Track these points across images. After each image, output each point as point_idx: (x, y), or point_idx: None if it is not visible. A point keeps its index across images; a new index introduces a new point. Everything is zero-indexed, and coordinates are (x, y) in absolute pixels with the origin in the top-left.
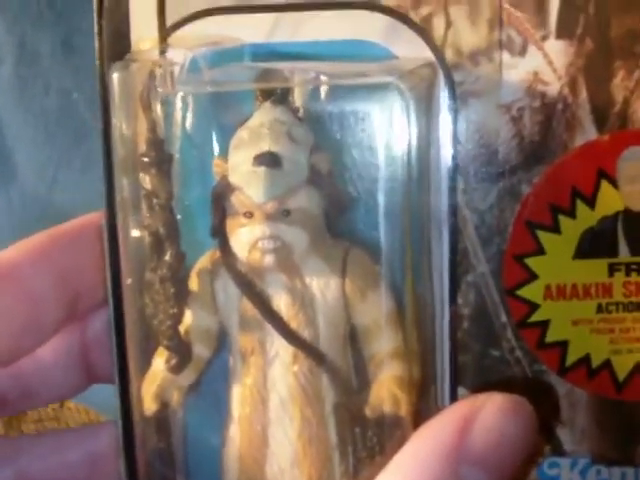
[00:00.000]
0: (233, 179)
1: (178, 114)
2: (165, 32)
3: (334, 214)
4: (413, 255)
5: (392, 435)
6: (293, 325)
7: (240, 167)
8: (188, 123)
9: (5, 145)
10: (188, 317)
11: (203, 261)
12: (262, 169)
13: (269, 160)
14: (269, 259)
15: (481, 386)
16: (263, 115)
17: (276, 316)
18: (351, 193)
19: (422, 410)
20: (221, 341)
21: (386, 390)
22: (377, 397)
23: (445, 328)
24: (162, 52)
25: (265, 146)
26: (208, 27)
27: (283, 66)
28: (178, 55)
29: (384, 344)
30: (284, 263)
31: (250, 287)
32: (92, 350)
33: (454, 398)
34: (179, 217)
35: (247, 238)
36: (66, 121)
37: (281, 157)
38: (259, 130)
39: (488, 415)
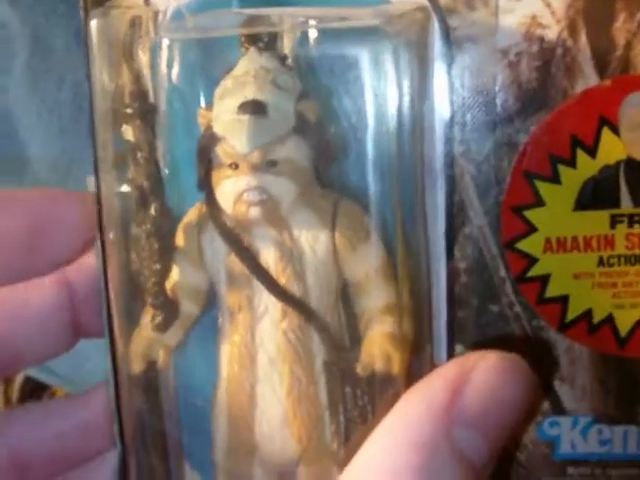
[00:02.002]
0: (217, 129)
1: (163, 63)
2: None
3: (323, 164)
4: (405, 207)
5: (384, 394)
6: (281, 280)
7: (224, 116)
8: (173, 72)
9: (18, 138)
10: (175, 273)
11: (190, 215)
12: (246, 117)
13: (254, 108)
14: (255, 212)
15: (479, 343)
16: (248, 63)
17: (264, 271)
18: (341, 142)
19: (416, 368)
20: (210, 298)
21: (378, 347)
22: (368, 354)
23: (442, 283)
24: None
25: (250, 94)
26: None
27: (270, 11)
28: (162, 1)
29: (376, 299)
30: (271, 216)
31: (236, 241)
32: (80, 306)
33: (451, 356)
34: (167, 171)
35: (232, 190)
36: (80, 114)
37: (266, 105)
38: (244, 78)
39: (481, 375)
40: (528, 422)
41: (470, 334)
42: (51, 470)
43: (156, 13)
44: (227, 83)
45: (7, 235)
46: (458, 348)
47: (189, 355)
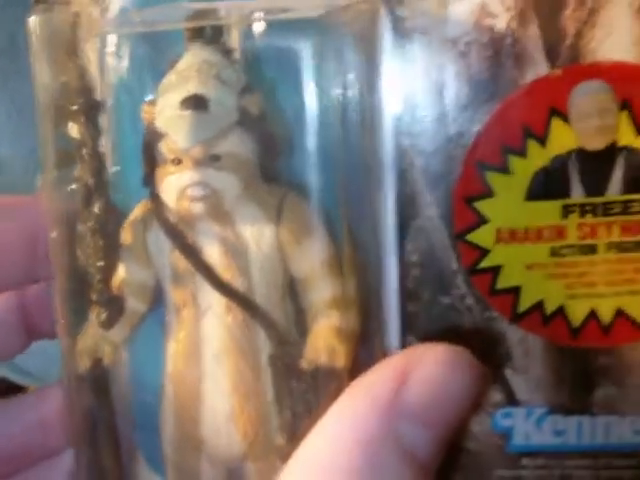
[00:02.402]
0: (160, 124)
1: (109, 58)
2: None
3: (268, 158)
4: (353, 200)
5: (329, 388)
6: (225, 276)
7: (167, 112)
8: (120, 67)
9: None
10: (121, 270)
11: (136, 212)
12: (187, 112)
13: (195, 103)
14: (198, 207)
15: (432, 335)
16: (192, 57)
17: (207, 267)
18: (285, 136)
19: (367, 361)
20: (157, 295)
21: (322, 341)
22: (313, 348)
23: (393, 275)
24: None
25: (192, 89)
26: None
27: (217, 4)
28: None
29: (322, 293)
30: (215, 211)
31: (180, 238)
32: (31, 307)
33: (404, 348)
34: (117, 168)
35: (175, 186)
36: None
37: (208, 100)
38: (187, 73)
39: (426, 368)
40: (476, 413)
41: (423, 326)
42: (8, 468)
43: (101, 8)
44: (171, 78)
45: (8, 242)
46: (411, 341)
47: (139, 351)
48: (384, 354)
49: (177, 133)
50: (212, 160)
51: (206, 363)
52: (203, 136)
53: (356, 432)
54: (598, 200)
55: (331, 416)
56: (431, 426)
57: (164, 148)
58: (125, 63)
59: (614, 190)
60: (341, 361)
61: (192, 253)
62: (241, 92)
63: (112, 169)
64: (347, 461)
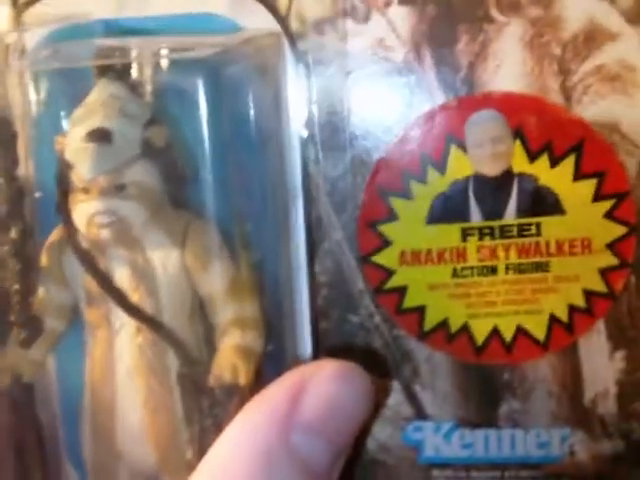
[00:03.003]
0: (68, 156)
1: (27, 90)
2: (18, 8)
3: (173, 186)
4: (260, 224)
5: (234, 403)
6: (134, 298)
7: (73, 144)
8: (37, 100)
9: None
10: (40, 291)
11: (53, 236)
12: (91, 145)
13: (98, 136)
14: (105, 234)
15: (342, 352)
16: (100, 92)
17: (116, 290)
18: (190, 165)
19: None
20: (76, 315)
21: (226, 359)
22: (218, 367)
23: (304, 295)
24: (12, 29)
25: (97, 122)
26: (60, 3)
27: (126, 42)
28: (28, 31)
29: (227, 313)
30: (122, 237)
31: (91, 262)
32: None
33: None
34: (39, 194)
35: (84, 214)
36: None
37: (111, 132)
38: (94, 106)
39: (319, 382)
40: (370, 424)
41: (334, 344)
42: None
43: (19, 42)
44: (79, 111)
45: None
46: (322, 358)
47: (64, 367)
48: None
49: (82, 165)
50: (118, 189)
51: (119, 380)
52: (106, 167)
53: (255, 442)
54: (495, 224)
55: (233, 427)
56: (326, 437)
57: (74, 177)
58: (42, 96)
59: (510, 214)
60: (244, 378)
61: (102, 277)
62: (146, 125)
63: (35, 195)
64: (246, 469)
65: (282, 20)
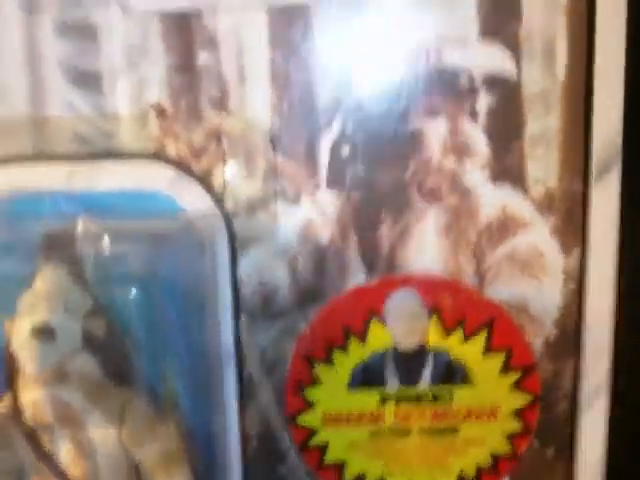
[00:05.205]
0: (14, 346)
1: None
2: None
3: (113, 368)
4: (195, 394)
5: None
6: (76, 473)
7: (18, 337)
8: None
9: None
10: None
11: (1, 407)
12: (35, 343)
13: (42, 333)
14: (49, 417)
15: None
16: (44, 279)
17: (58, 467)
18: (127, 348)
19: None
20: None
21: None
22: None
23: (235, 450)
24: None
25: (41, 317)
26: (8, 175)
27: (71, 223)
28: None
29: None
30: (64, 419)
31: (34, 441)
32: None
33: None
34: None
35: (29, 397)
36: None
37: (54, 329)
38: (39, 297)
39: None
40: None
41: None
42: None
43: None
44: (26, 300)
45: None
46: None
47: None
48: None
49: (27, 360)
50: (60, 378)
51: None
52: (49, 363)
53: None
54: (411, 391)
55: None
56: None
57: (20, 362)
58: None
59: (425, 382)
60: None
61: (43, 454)
62: (87, 315)
63: None
64: None
65: (217, 199)
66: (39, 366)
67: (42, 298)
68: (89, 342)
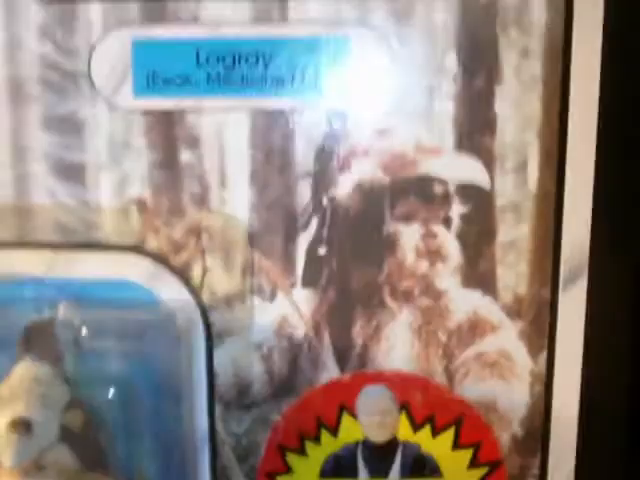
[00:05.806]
0: None
1: None
2: None
3: (89, 460)
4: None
5: None
6: None
7: None
8: None
9: None
10: None
11: None
12: (13, 437)
13: (20, 427)
14: None
15: None
16: (23, 371)
17: None
18: (104, 438)
19: None
20: None
21: None
22: None
23: None
24: None
25: (19, 411)
26: None
27: (49, 315)
28: None
29: None
30: None
31: None
32: None
33: None
34: None
35: None
36: None
37: (33, 423)
38: (17, 390)
39: None
40: None
41: None
42: None
43: None
44: (4, 391)
45: None
46: None
47: None
48: None
49: (4, 453)
50: (37, 469)
51: None
52: (27, 456)
53: None
54: None
55: None
56: None
57: None
58: None
59: (394, 475)
60: None
61: None
62: (64, 409)
63: None
64: None
65: (195, 293)
66: (16, 459)
67: (21, 391)
68: (66, 435)
